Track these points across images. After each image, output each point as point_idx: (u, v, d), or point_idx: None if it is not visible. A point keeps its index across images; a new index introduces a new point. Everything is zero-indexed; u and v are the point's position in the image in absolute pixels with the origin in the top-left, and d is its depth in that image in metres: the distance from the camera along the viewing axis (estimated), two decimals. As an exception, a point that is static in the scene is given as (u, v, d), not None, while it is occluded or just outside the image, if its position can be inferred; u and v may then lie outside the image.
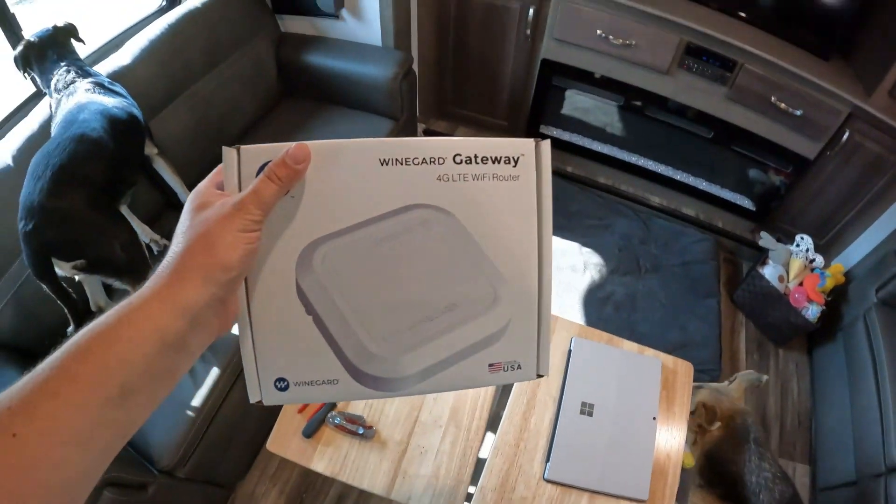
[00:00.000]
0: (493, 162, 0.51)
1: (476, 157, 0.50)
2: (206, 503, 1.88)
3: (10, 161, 1.83)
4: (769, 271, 2.26)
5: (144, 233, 2.08)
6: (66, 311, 1.63)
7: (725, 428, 1.64)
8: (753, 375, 1.79)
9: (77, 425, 0.37)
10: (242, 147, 0.48)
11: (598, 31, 2.25)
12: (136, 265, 1.68)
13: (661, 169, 2.68)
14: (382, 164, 0.50)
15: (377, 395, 0.53)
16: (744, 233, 2.55)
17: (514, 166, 0.51)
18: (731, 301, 2.48)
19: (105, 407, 0.38)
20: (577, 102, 2.70)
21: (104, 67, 2.07)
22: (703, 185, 2.60)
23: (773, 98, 2.07)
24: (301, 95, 2.56)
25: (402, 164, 0.50)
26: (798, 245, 2.25)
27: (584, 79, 2.49)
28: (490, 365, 0.54)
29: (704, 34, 2.06)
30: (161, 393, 0.43)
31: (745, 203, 2.54)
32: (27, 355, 1.77)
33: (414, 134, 2.87)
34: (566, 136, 2.82)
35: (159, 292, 0.42)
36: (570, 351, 1.38)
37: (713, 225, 2.62)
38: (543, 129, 2.84)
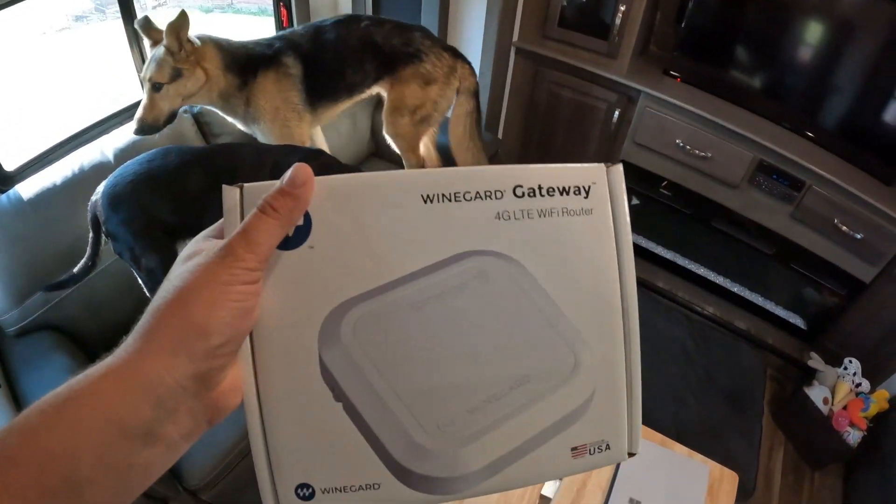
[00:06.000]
0: (561, 193, 0.42)
1: (540, 188, 0.41)
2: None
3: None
4: (814, 392, 2.28)
5: None
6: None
7: None
8: None
9: None
10: (246, 185, 0.38)
11: (678, 141, 2.42)
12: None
13: (719, 280, 2.77)
14: (426, 202, 0.39)
15: (432, 500, 0.41)
16: (793, 352, 2.58)
17: (586, 197, 0.42)
18: (772, 419, 2.49)
19: (48, 499, 0.30)
20: (646, 206, 2.86)
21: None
22: (758, 299, 2.67)
23: (835, 220, 2.16)
24: (387, 159, 2.70)
25: (450, 200, 0.40)
26: (846, 368, 2.28)
27: (658, 184, 2.65)
28: (573, 449, 0.42)
29: (778, 154, 2.17)
30: (133, 486, 0.34)
31: (798, 322, 2.58)
32: (81, 345, 1.80)
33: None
34: (632, 237, 2.95)
35: (118, 367, 0.33)
36: None
37: (763, 341, 2.66)
38: (612, 226, 2.97)
